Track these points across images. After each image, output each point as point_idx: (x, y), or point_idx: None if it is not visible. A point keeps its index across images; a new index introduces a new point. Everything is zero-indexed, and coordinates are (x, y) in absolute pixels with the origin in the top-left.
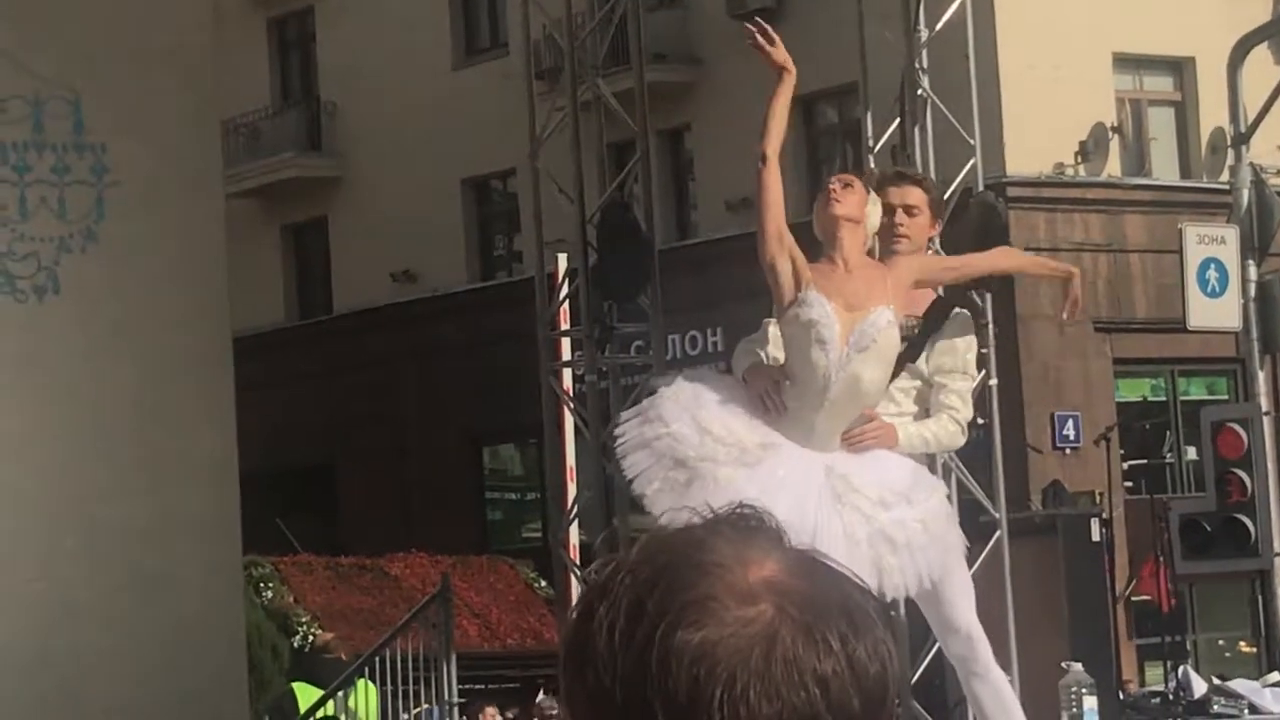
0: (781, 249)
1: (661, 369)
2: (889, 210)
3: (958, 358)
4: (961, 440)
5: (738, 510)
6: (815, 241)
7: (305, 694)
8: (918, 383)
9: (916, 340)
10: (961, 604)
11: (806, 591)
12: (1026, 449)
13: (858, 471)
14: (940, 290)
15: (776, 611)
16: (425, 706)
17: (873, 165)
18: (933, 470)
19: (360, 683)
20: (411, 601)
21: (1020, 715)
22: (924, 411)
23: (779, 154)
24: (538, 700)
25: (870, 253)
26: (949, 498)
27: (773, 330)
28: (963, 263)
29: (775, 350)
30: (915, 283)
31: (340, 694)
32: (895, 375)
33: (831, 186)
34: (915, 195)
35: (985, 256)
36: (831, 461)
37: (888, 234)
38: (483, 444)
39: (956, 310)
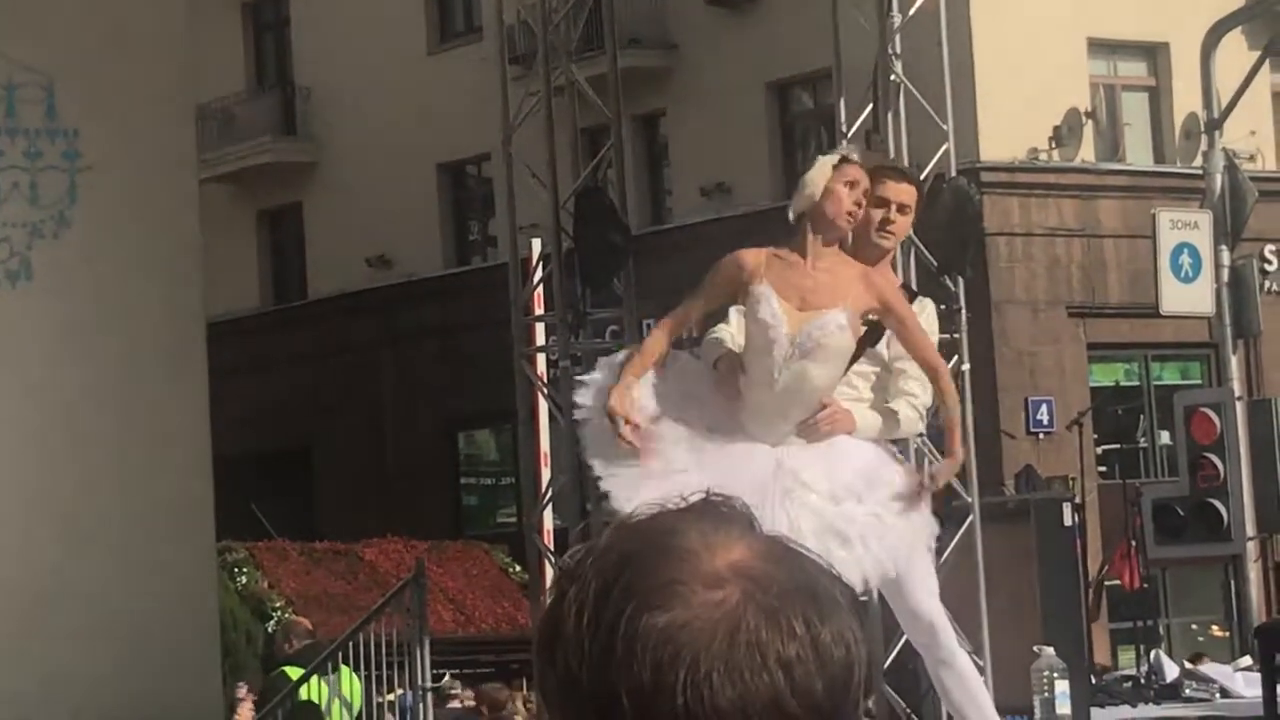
0: (724, 285)
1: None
2: (882, 204)
3: None
4: (920, 426)
5: (707, 498)
6: (790, 227)
7: (295, 677)
8: (877, 368)
9: (877, 326)
10: (922, 593)
11: (773, 576)
12: (1000, 434)
13: (808, 465)
14: (905, 277)
15: (742, 595)
16: (400, 692)
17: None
18: (905, 455)
19: (345, 671)
20: (386, 586)
21: (986, 700)
22: (883, 397)
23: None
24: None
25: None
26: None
27: (734, 314)
28: (919, 339)
29: (737, 333)
30: (870, 309)
31: (332, 679)
32: (855, 360)
33: (861, 200)
34: (909, 194)
35: (935, 354)
36: (782, 455)
37: (876, 227)
38: (458, 429)
39: (919, 298)
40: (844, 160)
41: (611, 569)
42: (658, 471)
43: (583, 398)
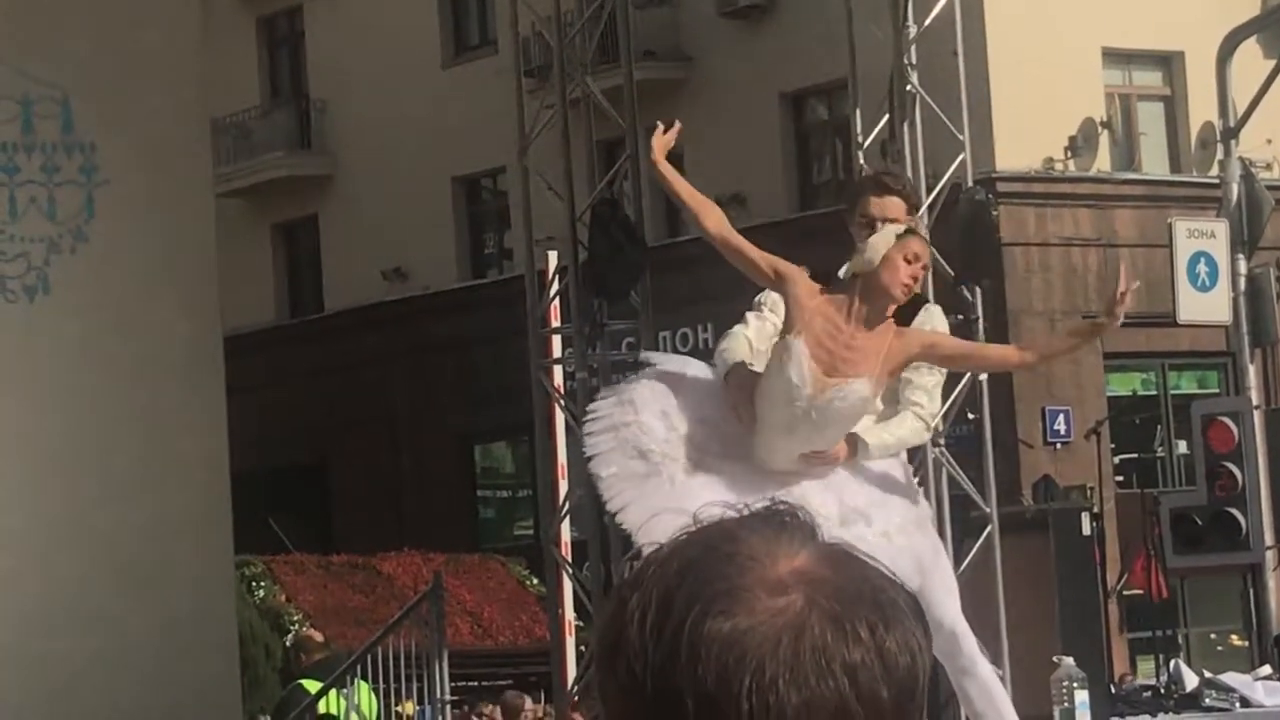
0: (780, 281)
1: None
2: (869, 224)
3: None
4: (926, 436)
5: (769, 505)
6: (806, 238)
7: (314, 691)
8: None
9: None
10: (944, 601)
11: (836, 582)
12: (1017, 444)
13: (816, 493)
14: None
15: (806, 601)
16: (419, 708)
17: (863, 162)
18: (923, 465)
19: (362, 686)
20: (403, 600)
21: (1009, 709)
22: (893, 404)
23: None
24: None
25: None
26: (929, 500)
27: (752, 319)
28: (973, 350)
29: (756, 338)
30: (913, 357)
31: (348, 692)
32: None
33: (919, 272)
34: (895, 207)
35: (998, 349)
36: (789, 481)
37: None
38: (474, 442)
39: (927, 305)
40: (909, 232)
41: (674, 576)
42: (670, 503)
43: (594, 429)
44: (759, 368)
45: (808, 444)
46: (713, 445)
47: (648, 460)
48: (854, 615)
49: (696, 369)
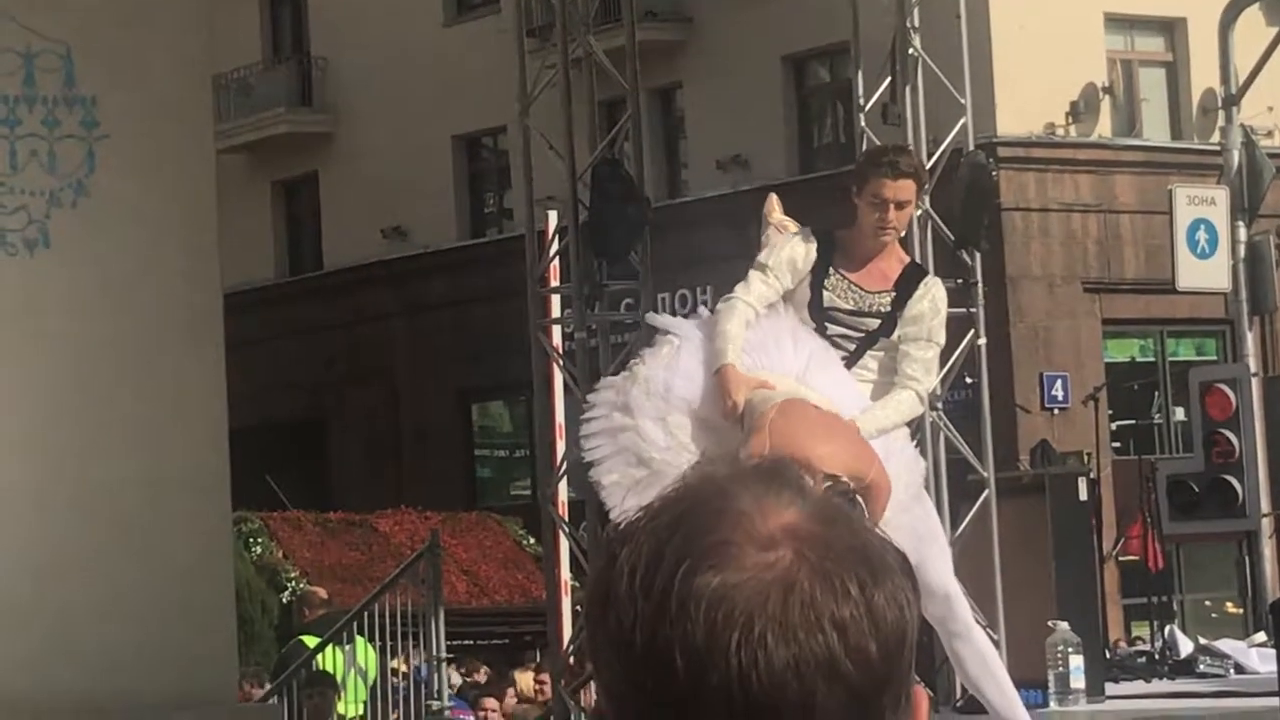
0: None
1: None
2: (881, 206)
3: (923, 325)
4: (921, 410)
5: (760, 462)
6: (807, 200)
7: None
8: (882, 351)
9: (889, 315)
10: (938, 566)
11: (825, 538)
12: (1015, 409)
13: None
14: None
15: (795, 557)
16: (415, 664)
17: (864, 125)
18: (920, 428)
19: (360, 641)
20: (400, 557)
21: (1003, 673)
22: (890, 377)
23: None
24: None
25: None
26: (926, 467)
27: (755, 278)
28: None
29: (757, 302)
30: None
31: (348, 648)
32: (866, 349)
33: (892, 220)
34: (908, 190)
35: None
36: None
37: (875, 227)
38: (472, 400)
39: (927, 276)
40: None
41: (664, 530)
42: (666, 479)
43: (591, 430)
44: (761, 333)
45: None
46: (714, 449)
47: (649, 467)
48: (843, 571)
49: (689, 352)
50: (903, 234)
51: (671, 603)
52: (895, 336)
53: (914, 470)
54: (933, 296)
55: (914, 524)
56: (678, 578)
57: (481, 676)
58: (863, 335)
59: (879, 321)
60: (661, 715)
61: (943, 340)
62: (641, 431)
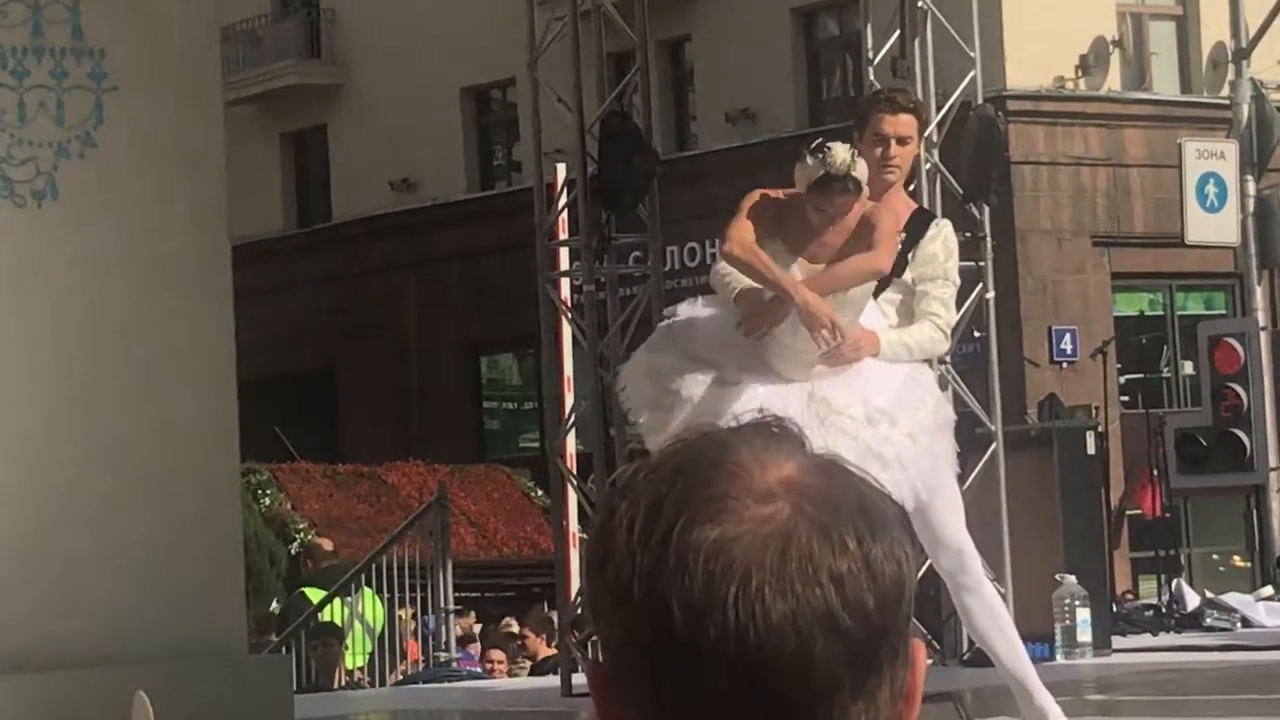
0: (760, 225)
1: (659, 280)
2: (882, 142)
3: (938, 265)
4: (945, 346)
5: (760, 418)
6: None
7: (317, 600)
8: (899, 295)
9: (900, 255)
10: (950, 518)
11: (824, 491)
12: (1023, 362)
13: (840, 393)
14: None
15: (794, 510)
16: (424, 617)
17: (873, 79)
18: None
19: (367, 592)
20: (408, 510)
21: (1011, 628)
22: (908, 321)
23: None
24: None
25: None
26: (946, 401)
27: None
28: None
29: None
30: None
31: (351, 600)
32: (881, 292)
33: (894, 156)
34: (908, 125)
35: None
36: (813, 387)
37: (879, 163)
38: (481, 353)
39: (936, 219)
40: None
41: (663, 484)
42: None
43: (628, 404)
44: None
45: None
46: (731, 362)
47: (670, 392)
48: (841, 524)
49: (704, 308)
50: (907, 173)
51: (669, 555)
52: (910, 279)
53: (942, 404)
54: (944, 236)
55: (938, 453)
56: (676, 530)
57: (471, 622)
58: None
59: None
60: (660, 667)
61: (958, 280)
62: (661, 366)
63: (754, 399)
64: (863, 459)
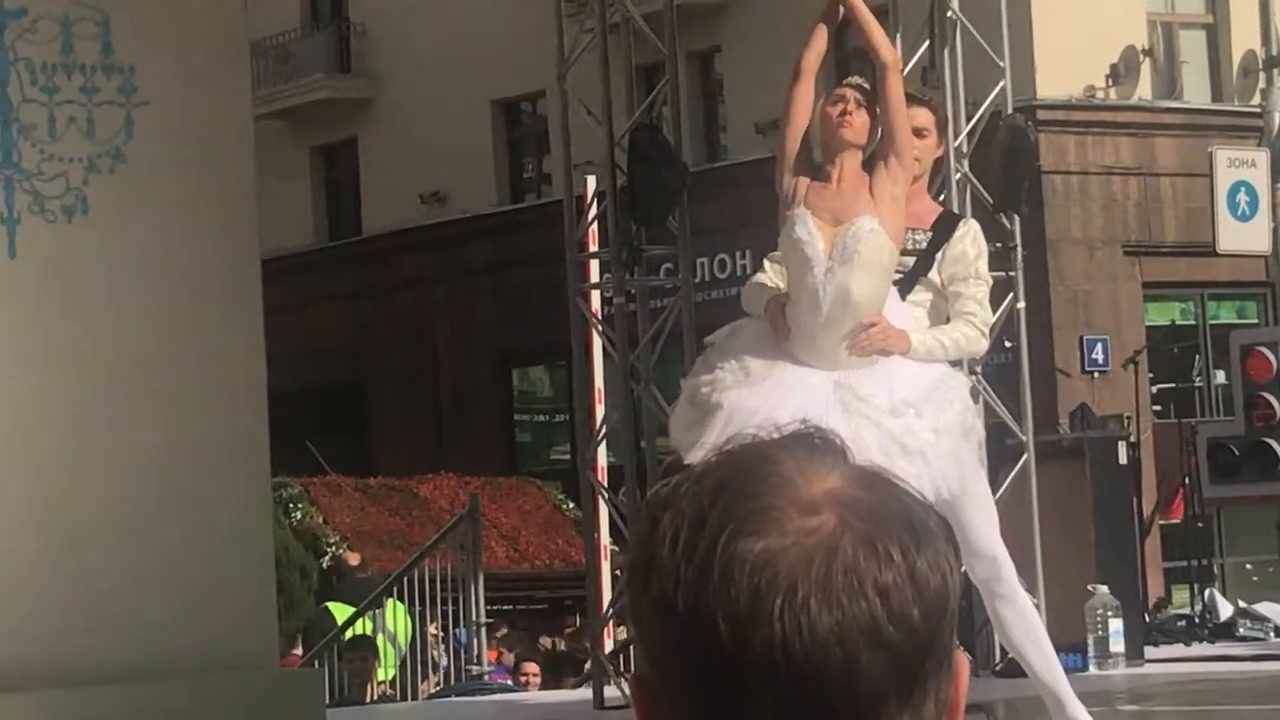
0: (789, 174)
1: (689, 292)
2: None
3: (969, 264)
4: (983, 344)
5: (802, 428)
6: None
7: (341, 614)
8: (930, 295)
9: (926, 253)
10: (983, 526)
11: (868, 503)
12: (1055, 372)
13: (866, 382)
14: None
15: (838, 522)
16: (455, 630)
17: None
18: None
19: (390, 603)
20: (440, 522)
21: (1045, 638)
22: (938, 324)
23: (814, 70)
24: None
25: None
26: (976, 413)
27: (768, 264)
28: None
29: (775, 275)
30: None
31: (376, 613)
32: (909, 290)
33: (848, 108)
34: (923, 117)
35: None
36: (840, 376)
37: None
38: (512, 365)
39: (964, 219)
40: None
41: (706, 495)
42: (714, 402)
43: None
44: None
45: (844, 311)
46: (758, 360)
47: (698, 403)
48: (886, 536)
49: (722, 333)
50: (927, 170)
51: (714, 568)
52: (940, 280)
53: (970, 411)
54: (973, 235)
55: (962, 458)
56: (720, 543)
57: (502, 634)
58: (901, 275)
59: (914, 259)
60: (705, 680)
61: (990, 280)
62: (700, 380)
63: (780, 386)
64: (885, 447)
